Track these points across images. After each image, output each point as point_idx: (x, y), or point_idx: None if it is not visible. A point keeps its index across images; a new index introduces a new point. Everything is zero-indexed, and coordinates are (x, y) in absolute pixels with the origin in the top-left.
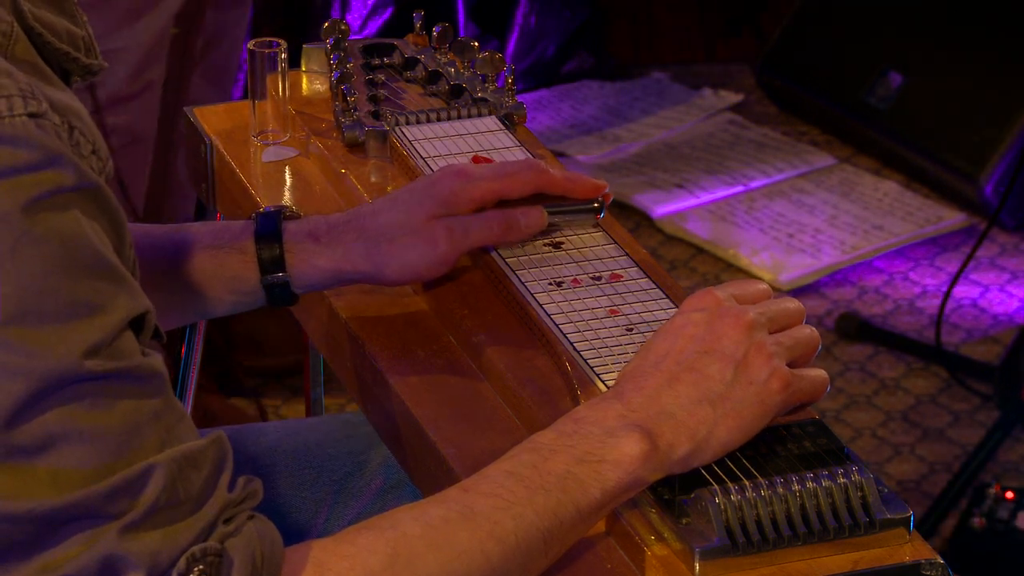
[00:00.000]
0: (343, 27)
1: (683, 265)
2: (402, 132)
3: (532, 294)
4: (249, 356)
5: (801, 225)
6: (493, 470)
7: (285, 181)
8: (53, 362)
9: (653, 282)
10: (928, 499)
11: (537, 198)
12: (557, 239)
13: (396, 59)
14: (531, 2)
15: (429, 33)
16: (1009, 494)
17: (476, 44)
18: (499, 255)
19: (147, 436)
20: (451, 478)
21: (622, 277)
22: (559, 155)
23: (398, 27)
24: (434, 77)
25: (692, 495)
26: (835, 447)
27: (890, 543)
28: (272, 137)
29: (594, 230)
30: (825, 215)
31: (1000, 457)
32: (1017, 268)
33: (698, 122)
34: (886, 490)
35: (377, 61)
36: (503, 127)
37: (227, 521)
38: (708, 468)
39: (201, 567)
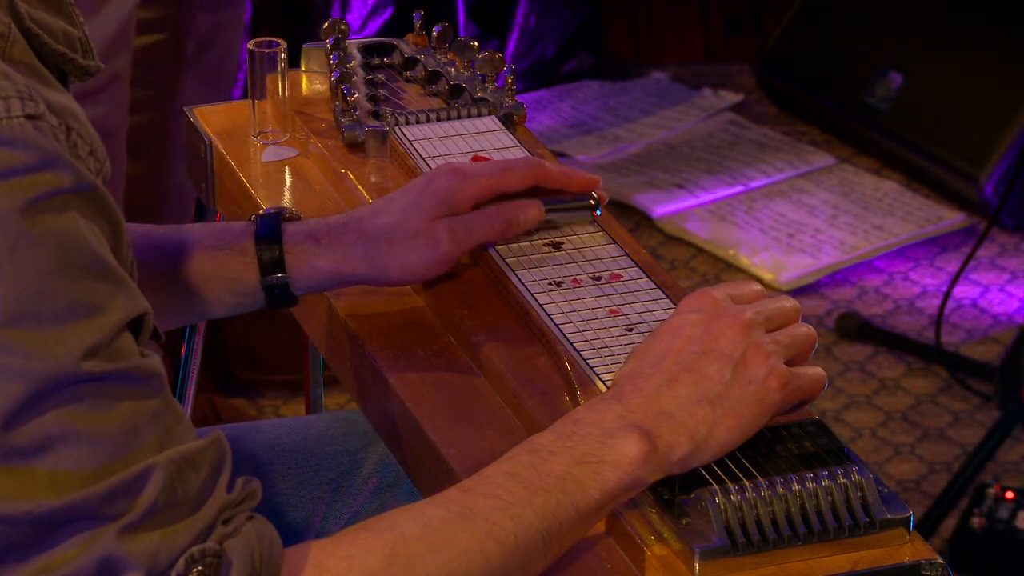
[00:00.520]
0: (343, 27)
1: (683, 265)
2: (402, 132)
3: (532, 294)
4: (247, 371)
5: (801, 225)
6: (492, 471)
7: (285, 181)
8: (51, 363)
9: (653, 282)
10: (928, 499)
11: (533, 193)
12: (557, 239)
13: (396, 59)
14: (531, 2)
15: (429, 33)
16: (1009, 494)
17: (476, 44)
18: (499, 255)
19: (146, 437)
20: (451, 478)
21: (622, 277)
22: (559, 155)
23: (398, 27)
24: (434, 77)
25: (692, 495)
26: (835, 447)
27: (890, 543)
28: (272, 137)
29: (594, 230)
30: (825, 215)
31: (1000, 457)
32: (1017, 268)
33: (698, 122)
34: (886, 490)
35: (377, 61)
36: (503, 127)
37: (226, 522)
38: (708, 468)
39: (200, 568)
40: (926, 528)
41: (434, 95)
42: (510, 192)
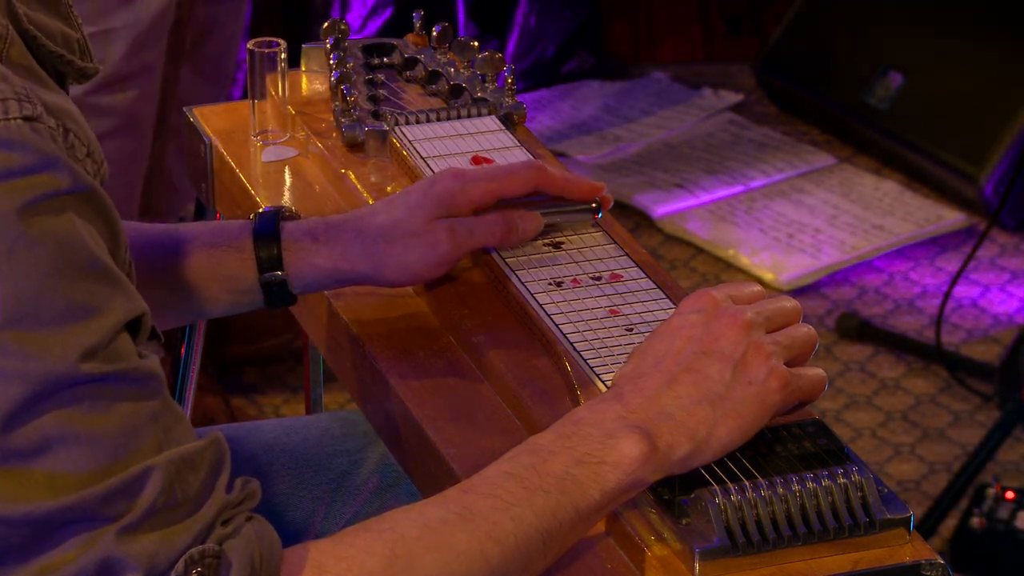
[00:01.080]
0: (343, 27)
1: (683, 265)
2: (402, 132)
3: (532, 294)
4: (242, 342)
5: (801, 225)
6: (492, 471)
7: (285, 181)
8: (49, 365)
9: (653, 282)
10: (928, 499)
11: (535, 195)
12: (557, 239)
13: (396, 59)
14: (531, 2)
15: (429, 33)
16: (1009, 494)
17: (476, 44)
18: (499, 255)
19: (144, 438)
20: (451, 478)
21: (622, 277)
22: (559, 155)
23: (398, 27)
24: (434, 77)
25: (692, 495)
26: (835, 447)
27: (890, 543)
28: (272, 137)
29: (594, 230)
30: (825, 215)
31: (1000, 457)
32: (1017, 268)
33: (698, 122)
34: (886, 490)
35: (377, 61)
36: (503, 127)
37: (225, 523)
38: (708, 468)
39: (199, 569)
40: (926, 528)
41: (434, 95)
42: (512, 196)
